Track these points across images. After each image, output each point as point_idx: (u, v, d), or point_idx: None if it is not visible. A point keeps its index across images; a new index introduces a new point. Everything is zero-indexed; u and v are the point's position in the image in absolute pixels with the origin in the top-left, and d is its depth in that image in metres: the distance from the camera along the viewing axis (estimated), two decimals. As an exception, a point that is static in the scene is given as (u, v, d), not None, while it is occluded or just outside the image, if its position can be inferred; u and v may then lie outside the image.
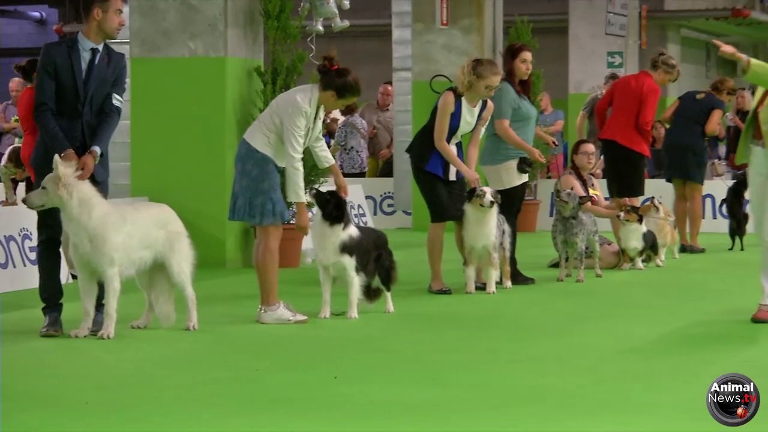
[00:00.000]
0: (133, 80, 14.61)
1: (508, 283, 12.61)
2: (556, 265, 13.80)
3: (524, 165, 12.89)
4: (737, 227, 16.66)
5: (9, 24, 35.33)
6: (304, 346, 9.38)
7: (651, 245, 14.57)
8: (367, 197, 18.80)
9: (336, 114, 22.47)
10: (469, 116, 12.22)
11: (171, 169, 14.30)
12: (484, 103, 12.32)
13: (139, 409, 7.23)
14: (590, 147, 14.97)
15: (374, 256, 10.76)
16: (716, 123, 16.75)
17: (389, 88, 22.60)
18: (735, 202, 16.78)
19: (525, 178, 13.02)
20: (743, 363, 8.48)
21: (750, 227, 16.95)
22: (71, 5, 32.64)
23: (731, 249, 16.48)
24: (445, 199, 12.25)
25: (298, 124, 10.25)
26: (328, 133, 21.67)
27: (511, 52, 13.34)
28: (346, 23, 16.74)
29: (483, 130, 12.49)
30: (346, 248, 10.47)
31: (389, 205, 20.55)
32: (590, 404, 7.40)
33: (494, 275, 12.29)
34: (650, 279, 13.77)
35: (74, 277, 12.08)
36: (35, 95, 9.99)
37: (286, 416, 7.03)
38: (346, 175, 21.34)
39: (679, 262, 15.29)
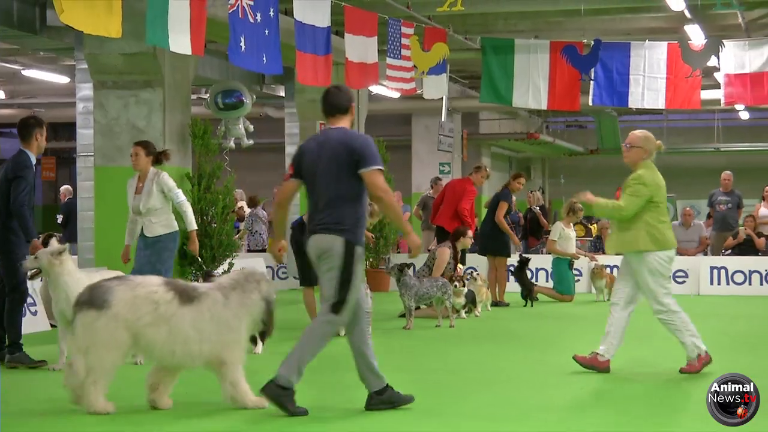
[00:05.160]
0: (96, 183, 14.52)
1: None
2: (402, 315, 13.83)
3: None
4: (527, 291, 16.76)
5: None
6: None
7: (471, 301, 14.73)
8: (267, 267, 18.76)
9: (244, 206, 22.48)
10: None
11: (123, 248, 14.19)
12: None
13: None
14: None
15: None
16: (501, 212, 16.57)
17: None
18: (522, 274, 16.88)
19: None
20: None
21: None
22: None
23: (525, 306, 16.62)
24: (311, 269, 12.09)
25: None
26: (239, 218, 21.62)
27: None
28: (251, 141, 16.83)
29: None
30: None
31: (283, 273, 20.51)
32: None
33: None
34: (471, 325, 13.86)
35: (53, 326, 11.95)
36: (22, 195, 9.79)
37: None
38: (252, 251, 21.37)
39: (491, 314, 15.44)
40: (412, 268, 13.36)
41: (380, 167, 7.31)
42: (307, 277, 12.06)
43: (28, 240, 9.67)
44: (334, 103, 7.48)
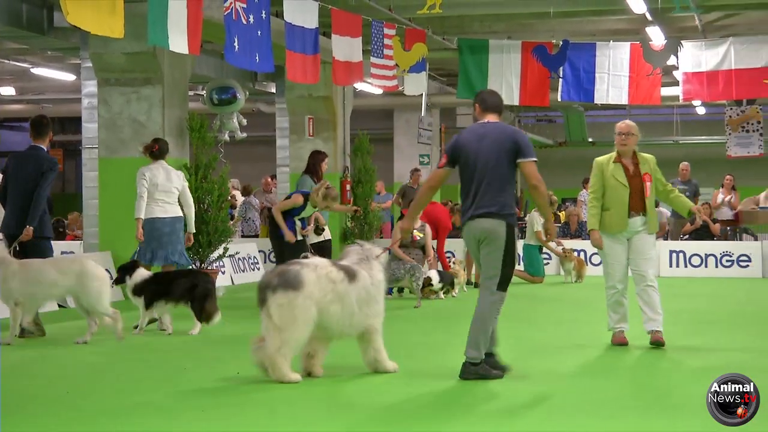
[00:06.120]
0: (101, 173, 14.47)
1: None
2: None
3: (318, 229, 13.12)
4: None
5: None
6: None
7: (449, 282, 14.73)
8: (260, 251, 18.75)
9: (238, 196, 22.46)
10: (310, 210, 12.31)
11: (125, 234, 14.13)
12: None
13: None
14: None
15: (187, 287, 10.14)
16: None
17: (269, 179, 22.64)
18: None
19: (321, 236, 13.17)
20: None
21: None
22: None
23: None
24: (285, 253, 11.95)
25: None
26: (231, 206, 21.55)
27: (318, 157, 13.53)
28: (244, 135, 16.80)
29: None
30: (137, 290, 10.15)
31: (274, 256, 20.48)
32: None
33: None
34: (448, 305, 13.89)
35: (60, 306, 11.92)
36: (48, 188, 10.09)
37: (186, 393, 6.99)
38: (245, 236, 21.32)
39: (468, 294, 15.44)
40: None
41: (536, 159, 7.51)
42: (281, 261, 11.80)
43: (28, 224, 9.87)
44: (495, 102, 7.77)
